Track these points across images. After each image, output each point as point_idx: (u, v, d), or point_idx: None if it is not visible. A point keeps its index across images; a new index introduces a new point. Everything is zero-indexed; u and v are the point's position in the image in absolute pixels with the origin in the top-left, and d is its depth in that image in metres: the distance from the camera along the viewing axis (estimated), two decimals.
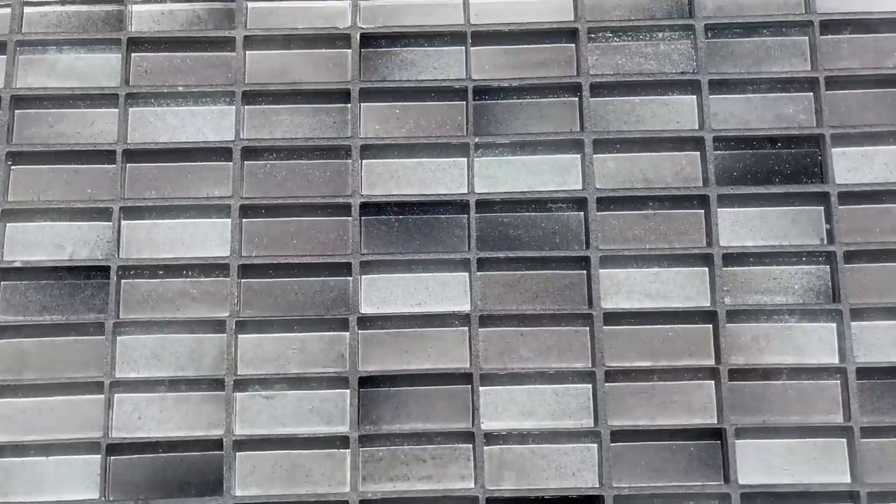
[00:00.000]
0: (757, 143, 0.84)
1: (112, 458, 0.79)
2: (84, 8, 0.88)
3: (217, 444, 0.79)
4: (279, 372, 0.80)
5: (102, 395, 0.80)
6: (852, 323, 0.80)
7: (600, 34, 0.87)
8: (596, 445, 0.79)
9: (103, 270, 0.82)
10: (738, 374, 0.80)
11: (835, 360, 0.80)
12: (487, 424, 0.79)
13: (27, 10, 0.88)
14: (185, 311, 0.82)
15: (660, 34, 0.87)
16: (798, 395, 0.80)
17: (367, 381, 0.80)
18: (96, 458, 0.78)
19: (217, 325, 0.81)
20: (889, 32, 0.87)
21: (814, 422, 0.79)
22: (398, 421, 0.80)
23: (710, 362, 0.80)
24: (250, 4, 0.88)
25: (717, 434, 0.79)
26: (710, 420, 0.79)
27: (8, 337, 0.81)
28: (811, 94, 0.85)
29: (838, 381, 0.80)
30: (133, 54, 0.87)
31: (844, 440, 0.79)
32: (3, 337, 0.81)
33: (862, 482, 0.77)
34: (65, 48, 0.87)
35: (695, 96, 0.85)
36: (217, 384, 0.80)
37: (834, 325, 0.81)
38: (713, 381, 0.80)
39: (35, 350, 0.81)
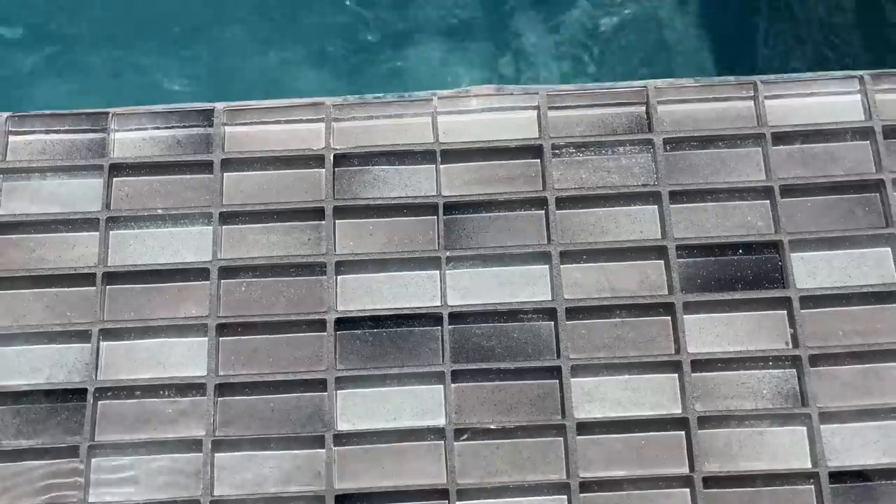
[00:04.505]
0: (718, 251, 0.73)
1: None
2: (68, 137, 0.77)
3: None
4: (256, 491, 0.67)
5: None
6: (822, 426, 0.68)
7: (564, 150, 0.76)
8: None
9: (80, 392, 0.69)
10: (712, 481, 0.67)
11: (807, 464, 0.67)
12: None
13: (12, 138, 0.76)
14: (161, 430, 0.68)
15: (621, 148, 0.76)
16: (773, 501, 0.67)
17: (343, 499, 0.67)
18: None
19: (193, 445, 0.68)
20: (837, 142, 0.76)
21: None
22: None
23: (685, 469, 0.67)
24: (227, 129, 0.76)
25: None
26: None
27: None
28: (767, 201, 0.74)
29: (812, 486, 0.67)
30: (114, 179, 0.75)
31: None
32: None
33: None
34: (48, 175, 0.75)
35: (656, 206, 0.74)
36: None
37: (804, 428, 0.68)
38: (688, 489, 0.67)
39: (9, 474, 0.67)
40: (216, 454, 0.68)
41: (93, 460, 0.68)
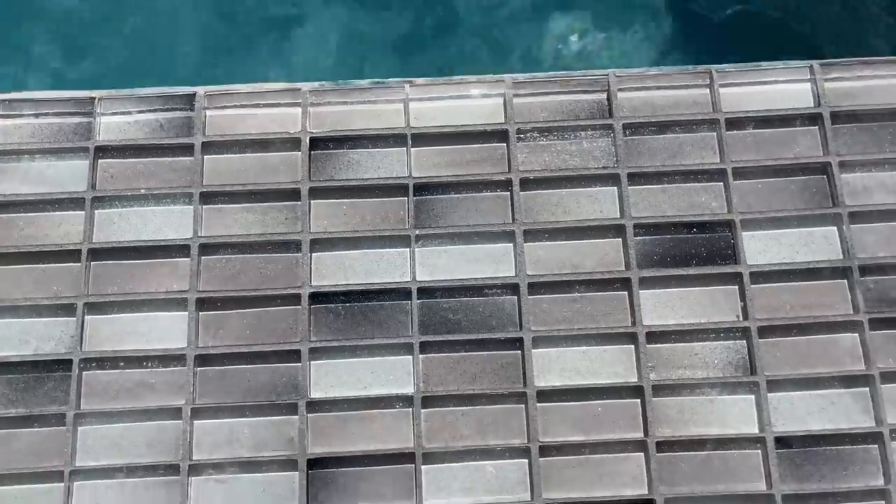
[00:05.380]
0: (674, 229, 0.75)
1: None
2: (56, 120, 0.78)
3: None
4: (232, 456, 0.69)
5: (63, 484, 0.68)
6: (769, 394, 0.70)
7: (528, 134, 0.78)
8: None
9: (66, 363, 0.71)
10: (665, 445, 0.69)
11: (755, 429, 0.70)
12: (431, 501, 0.68)
13: (2, 122, 0.78)
14: (143, 400, 0.70)
15: (582, 133, 0.78)
16: (723, 465, 0.69)
17: (315, 463, 0.69)
18: None
19: (174, 413, 0.70)
20: (787, 127, 0.78)
21: (738, 490, 0.68)
22: (346, 501, 0.68)
23: (639, 434, 0.70)
24: (208, 113, 0.78)
25: None
26: (642, 490, 0.68)
27: None
28: (721, 183, 0.76)
29: (759, 451, 0.69)
30: (100, 160, 0.77)
31: None
32: None
33: None
34: (37, 157, 0.77)
35: (615, 188, 0.76)
36: (173, 469, 0.68)
37: (753, 396, 0.71)
38: (642, 453, 0.69)
39: None
40: (195, 421, 0.70)
41: (79, 428, 0.70)
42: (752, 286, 0.73)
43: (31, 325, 0.73)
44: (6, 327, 0.72)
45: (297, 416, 0.70)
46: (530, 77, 0.80)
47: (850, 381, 0.71)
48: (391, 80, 0.80)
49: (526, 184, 0.76)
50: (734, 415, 0.71)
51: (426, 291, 0.73)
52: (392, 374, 0.72)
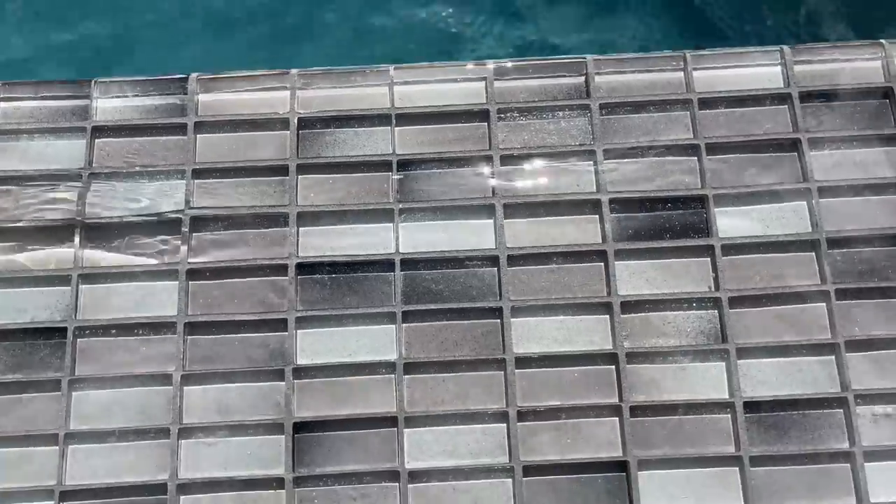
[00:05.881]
0: (649, 204, 0.77)
1: None
2: (54, 103, 0.81)
3: (162, 488, 0.69)
4: (221, 420, 0.71)
5: (58, 447, 0.70)
6: (739, 361, 0.72)
7: (508, 114, 0.80)
8: (511, 480, 0.69)
9: (61, 331, 0.73)
10: (638, 410, 0.71)
11: (725, 395, 0.71)
12: (412, 464, 0.70)
13: (2, 104, 0.80)
14: (135, 366, 0.72)
15: (560, 113, 0.80)
16: (694, 429, 0.71)
17: (301, 427, 0.71)
18: None
19: (164, 379, 0.72)
20: (758, 106, 0.80)
21: (708, 452, 0.70)
22: (330, 463, 0.70)
23: (614, 400, 0.71)
24: (200, 97, 0.81)
25: (622, 466, 0.69)
26: (616, 453, 0.70)
27: None
28: (695, 158, 0.78)
29: (729, 415, 0.71)
30: (96, 140, 0.79)
31: (737, 468, 0.69)
32: None
33: None
34: (36, 136, 0.79)
35: (591, 163, 0.78)
36: (163, 433, 0.70)
37: (723, 363, 0.72)
38: (617, 418, 0.71)
39: None
40: (185, 387, 0.72)
41: (73, 394, 0.72)
42: (724, 258, 0.75)
43: (28, 296, 0.75)
44: (4, 297, 0.74)
45: (283, 382, 0.72)
46: (511, 61, 0.82)
47: (816, 349, 0.72)
48: (377, 65, 0.82)
49: (506, 160, 0.78)
50: (705, 381, 0.72)
51: (409, 263, 0.75)
52: (376, 342, 0.73)
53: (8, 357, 0.73)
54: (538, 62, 0.82)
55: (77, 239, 0.75)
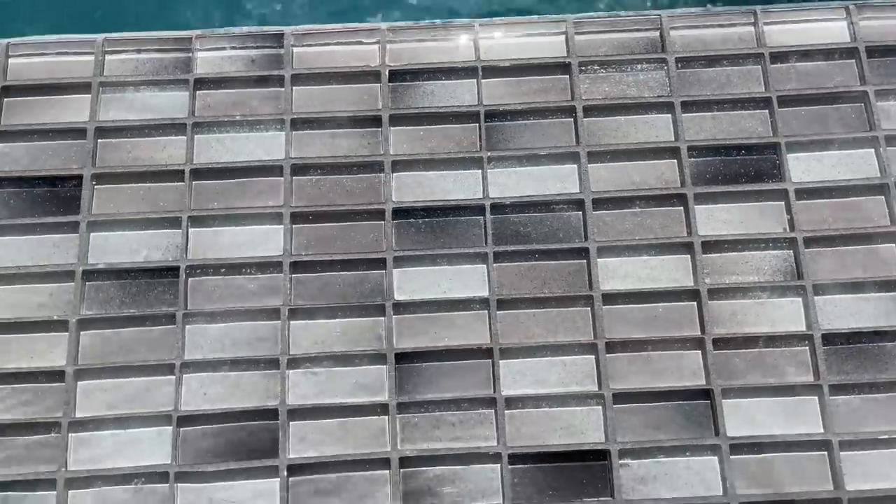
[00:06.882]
0: (724, 151, 0.80)
1: (182, 428, 0.72)
2: (157, 56, 0.84)
3: (273, 413, 0.72)
4: (327, 350, 0.74)
5: (174, 376, 0.73)
6: (815, 297, 0.75)
7: (589, 67, 0.83)
8: (601, 407, 0.73)
9: (173, 270, 0.76)
10: (720, 342, 0.74)
11: (802, 328, 0.74)
12: (507, 391, 0.73)
13: (108, 57, 0.83)
14: (244, 302, 0.76)
15: (639, 66, 0.83)
16: (773, 361, 0.74)
17: (402, 357, 0.74)
18: (168, 430, 0.72)
19: (272, 313, 0.75)
20: (827, 60, 0.83)
21: (788, 381, 0.73)
22: (430, 391, 0.73)
23: (697, 332, 0.74)
24: (295, 49, 0.84)
25: (706, 394, 0.72)
26: (700, 382, 0.73)
27: (93, 328, 0.75)
28: (766, 111, 0.81)
29: (807, 347, 0.74)
30: (198, 91, 0.82)
31: (815, 397, 0.73)
32: (89, 328, 0.75)
33: (832, 432, 0.71)
34: (141, 88, 0.82)
35: (670, 115, 0.81)
36: (272, 363, 0.73)
37: (800, 299, 0.75)
38: (700, 350, 0.74)
39: (116, 338, 0.75)
40: (291, 322, 0.75)
41: (186, 327, 0.75)
42: (797, 202, 0.78)
43: (141, 237, 0.78)
44: (118, 239, 0.78)
45: (383, 317, 0.75)
46: (588, 17, 0.85)
47: (888, 285, 0.75)
48: (461, 19, 0.85)
49: (588, 111, 0.81)
50: (783, 316, 0.75)
51: (498, 207, 0.78)
52: (468, 281, 0.77)
53: (124, 294, 0.76)
54: (615, 17, 0.85)
55: (186, 183, 0.78)
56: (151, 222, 0.78)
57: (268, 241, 0.78)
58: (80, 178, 0.79)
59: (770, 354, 0.74)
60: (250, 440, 0.72)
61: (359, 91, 0.83)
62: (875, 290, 0.75)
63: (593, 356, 0.74)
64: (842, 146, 0.80)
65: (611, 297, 0.75)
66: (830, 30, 0.84)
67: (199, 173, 0.79)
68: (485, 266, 0.77)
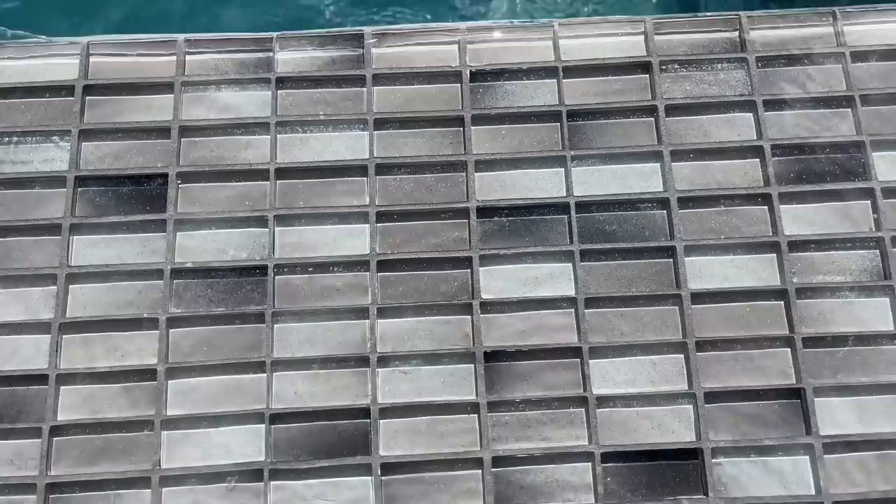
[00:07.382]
0: (808, 150, 0.79)
1: (274, 426, 0.72)
2: (238, 55, 0.84)
3: (364, 412, 0.72)
4: (415, 349, 0.74)
5: (265, 374, 0.73)
6: None
7: (670, 66, 0.82)
8: (692, 406, 0.72)
9: (261, 269, 0.76)
10: (810, 341, 0.73)
11: (890, 328, 0.74)
12: (598, 390, 0.73)
13: (189, 57, 0.83)
14: (331, 300, 0.75)
15: (719, 65, 0.82)
16: (863, 360, 0.73)
17: (490, 356, 0.73)
18: (260, 427, 0.71)
19: (360, 312, 0.75)
20: None
21: (881, 380, 0.72)
22: (519, 390, 0.73)
23: (786, 331, 0.74)
24: (374, 50, 0.83)
25: (796, 393, 0.72)
26: (790, 381, 0.72)
27: (182, 326, 0.75)
28: (849, 109, 0.81)
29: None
30: (279, 91, 0.82)
31: None
32: (178, 326, 0.74)
33: None
34: (223, 87, 0.82)
35: (751, 113, 0.81)
36: (362, 361, 0.73)
37: (887, 298, 0.75)
38: (789, 349, 0.74)
39: (205, 336, 0.74)
40: (379, 320, 0.75)
41: (274, 326, 0.75)
42: (884, 200, 0.77)
43: (227, 236, 0.78)
44: (204, 237, 0.78)
45: (470, 316, 0.75)
46: (667, 17, 0.84)
47: None
48: (540, 20, 0.85)
49: (670, 110, 0.81)
50: (871, 315, 0.75)
51: (583, 206, 0.78)
52: (554, 279, 0.76)
53: (213, 292, 0.76)
54: (693, 17, 0.84)
55: (270, 182, 0.78)
56: (238, 221, 0.78)
57: (353, 239, 0.77)
58: (165, 176, 0.78)
59: (859, 353, 0.74)
60: (341, 438, 0.72)
61: (439, 91, 0.82)
62: None
63: (682, 355, 0.74)
64: None
65: (699, 296, 0.75)
66: None
67: (284, 172, 0.79)
68: (570, 264, 0.76)
